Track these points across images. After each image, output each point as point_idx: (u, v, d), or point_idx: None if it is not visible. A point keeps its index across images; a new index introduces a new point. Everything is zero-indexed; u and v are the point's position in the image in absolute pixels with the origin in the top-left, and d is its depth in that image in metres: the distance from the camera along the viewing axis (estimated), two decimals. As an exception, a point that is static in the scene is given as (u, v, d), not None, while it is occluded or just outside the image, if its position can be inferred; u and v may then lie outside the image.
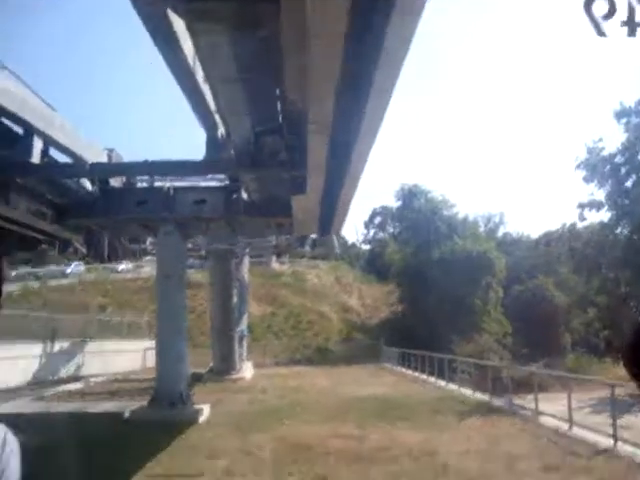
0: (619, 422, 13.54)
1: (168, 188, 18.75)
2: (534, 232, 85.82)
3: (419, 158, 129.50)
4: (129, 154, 18.40)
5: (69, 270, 51.43)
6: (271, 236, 31.17)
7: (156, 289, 20.66)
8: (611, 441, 12.30)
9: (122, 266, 55.90)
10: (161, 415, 16.74)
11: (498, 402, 19.34)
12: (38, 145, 14.08)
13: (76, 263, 54.14)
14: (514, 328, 46.79)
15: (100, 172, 17.06)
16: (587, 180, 33.53)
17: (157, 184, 19.38)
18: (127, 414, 17.21)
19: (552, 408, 16.57)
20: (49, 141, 14.49)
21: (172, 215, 18.45)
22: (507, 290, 51.00)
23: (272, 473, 10.57)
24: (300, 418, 16.57)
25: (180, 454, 12.23)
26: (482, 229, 61.05)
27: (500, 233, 65.78)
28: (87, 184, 18.72)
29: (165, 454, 12.15)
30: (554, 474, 10.11)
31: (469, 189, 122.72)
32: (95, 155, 16.37)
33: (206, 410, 17.73)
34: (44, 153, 14.64)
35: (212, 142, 15.36)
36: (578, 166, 33.96)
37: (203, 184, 20.83)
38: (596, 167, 32.87)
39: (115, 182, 18.84)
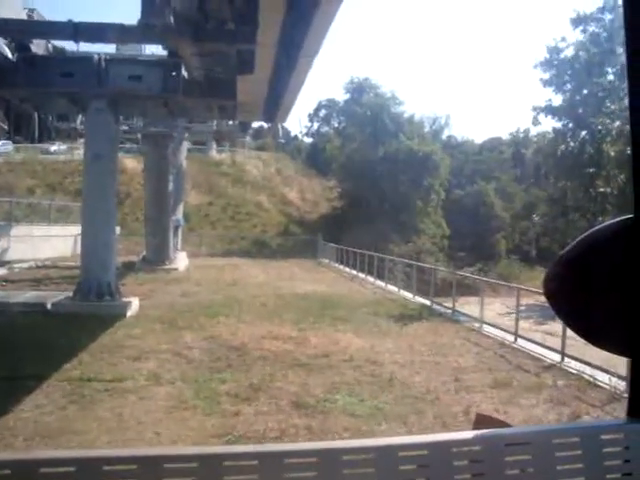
0: (543, 328, 13.39)
1: (99, 59, 16.79)
2: (479, 138, 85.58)
3: (369, 54, 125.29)
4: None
5: (-6, 149, 48.00)
6: (212, 121, 29.57)
7: (84, 170, 19.02)
8: (558, 356, 11.89)
9: (54, 147, 52.40)
10: (86, 307, 15.77)
11: (438, 306, 18.98)
12: None
13: (3, 142, 50.61)
14: (452, 231, 47.10)
15: (15, 30, 14.88)
16: (545, 83, 32.43)
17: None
18: (49, 305, 16.07)
19: (487, 314, 16.30)
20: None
21: (103, 90, 16.65)
22: (448, 194, 50.94)
23: (203, 380, 9.67)
24: (235, 315, 15.83)
25: (103, 354, 11.24)
26: (427, 130, 59.93)
27: (445, 136, 64.68)
28: (5, 49, 16.58)
29: (86, 354, 11.13)
30: (504, 391, 9.58)
31: (417, 90, 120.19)
32: (12, 12, 14.28)
33: (135, 303, 16.77)
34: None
35: (148, 5, 13.29)
36: (536, 65, 32.78)
37: (140, 59, 19.00)
38: (556, 67, 31.79)
39: (38, 49, 16.77)
